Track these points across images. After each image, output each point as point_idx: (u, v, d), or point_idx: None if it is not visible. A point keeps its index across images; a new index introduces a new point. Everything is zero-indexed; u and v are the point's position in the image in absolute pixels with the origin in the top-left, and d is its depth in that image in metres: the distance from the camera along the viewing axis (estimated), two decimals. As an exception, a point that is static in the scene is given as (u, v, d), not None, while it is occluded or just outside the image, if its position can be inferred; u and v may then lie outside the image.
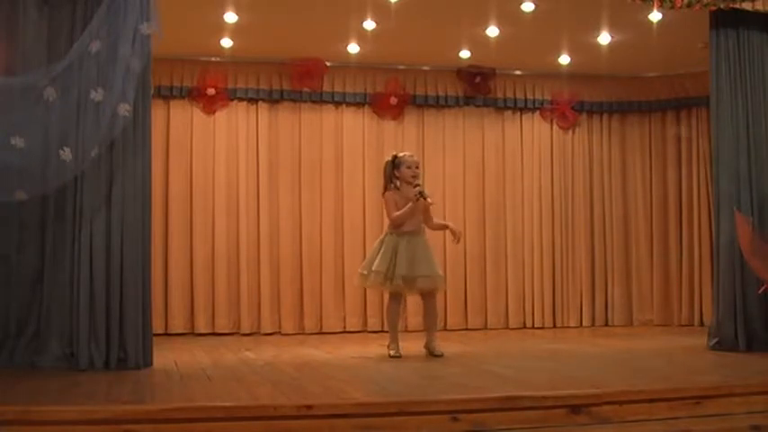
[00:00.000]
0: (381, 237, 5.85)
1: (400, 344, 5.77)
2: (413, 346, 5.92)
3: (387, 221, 7.84)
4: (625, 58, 7.72)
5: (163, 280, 7.57)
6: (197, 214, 7.73)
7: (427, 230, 5.91)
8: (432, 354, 5.71)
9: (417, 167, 5.81)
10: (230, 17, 6.59)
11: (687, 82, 8.31)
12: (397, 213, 5.70)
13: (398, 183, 5.80)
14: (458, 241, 6.04)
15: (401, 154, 5.88)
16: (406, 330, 7.20)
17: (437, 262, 5.88)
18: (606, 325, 8.39)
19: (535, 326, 8.25)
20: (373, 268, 5.67)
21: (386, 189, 5.83)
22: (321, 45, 7.46)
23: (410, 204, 5.68)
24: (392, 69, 8.12)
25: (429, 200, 5.71)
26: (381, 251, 5.69)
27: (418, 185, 5.73)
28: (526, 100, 8.44)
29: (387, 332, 7.70)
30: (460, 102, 8.30)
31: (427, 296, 5.83)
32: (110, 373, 4.74)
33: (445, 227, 6.10)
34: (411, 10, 6.45)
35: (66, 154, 4.74)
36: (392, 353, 5.71)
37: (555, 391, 4.00)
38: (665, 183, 8.53)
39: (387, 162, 5.88)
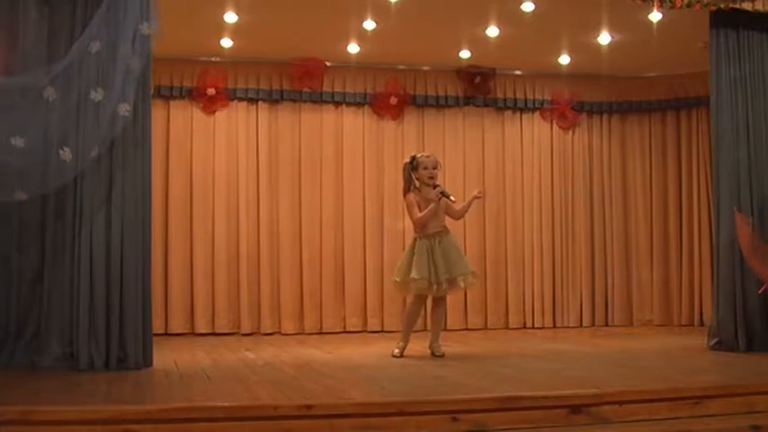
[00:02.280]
0: (411, 242, 5.81)
1: (408, 345, 5.78)
2: (413, 345, 5.91)
3: (387, 220, 7.98)
4: (625, 58, 7.72)
5: (163, 280, 7.56)
6: (197, 214, 7.73)
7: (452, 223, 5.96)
8: (433, 354, 5.71)
9: (435, 168, 5.76)
10: (230, 17, 6.59)
11: (687, 82, 8.31)
12: (420, 215, 5.68)
13: (418, 184, 5.79)
14: (481, 195, 5.98)
15: (419, 155, 5.85)
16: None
17: (467, 258, 5.89)
18: (606, 325, 8.39)
19: (535, 326, 8.25)
20: (414, 276, 5.61)
21: (406, 191, 5.81)
22: (321, 45, 7.46)
23: (432, 205, 5.66)
24: (392, 69, 8.11)
25: (452, 198, 5.71)
26: (416, 257, 5.65)
27: (438, 186, 5.71)
28: (526, 100, 8.44)
29: (386, 332, 7.77)
30: (460, 102, 8.29)
31: (440, 298, 5.82)
32: (110, 373, 4.73)
33: (469, 203, 5.97)
34: (411, 10, 6.44)
35: (66, 154, 4.74)
36: (396, 351, 5.73)
37: (555, 391, 4.00)
38: (665, 183, 8.53)
39: (405, 164, 5.86)
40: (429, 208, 5.66)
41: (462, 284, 5.74)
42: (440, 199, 5.65)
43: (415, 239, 5.76)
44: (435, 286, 5.62)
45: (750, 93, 5.98)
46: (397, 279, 5.76)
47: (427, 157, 5.83)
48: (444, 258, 5.63)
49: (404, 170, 5.84)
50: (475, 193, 5.94)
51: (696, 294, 8.27)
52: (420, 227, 5.72)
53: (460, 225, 8.03)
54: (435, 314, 5.89)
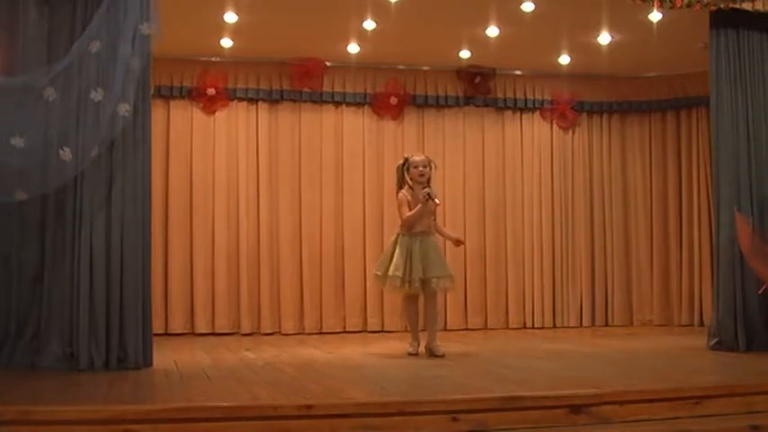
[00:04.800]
0: (394, 237, 5.87)
1: (420, 343, 5.83)
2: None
3: (387, 220, 7.98)
4: (625, 58, 7.72)
5: (163, 280, 7.56)
6: (197, 214, 7.73)
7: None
8: (433, 354, 5.71)
9: (425, 166, 5.82)
10: (230, 17, 6.59)
11: (687, 82, 8.32)
12: (409, 214, 5.74)
13: (411, 183, 5.84)
14: (457, 245, 6.10)
15: (411, 156, 5.92)
16: (405, 330, 7.20)
17: (447, 262, 5.93)
18: (606, 325, 8.39)
19: (535, 326, 8.25)
20: (390, 272, 5.70)
21: (398, 191, 5.87)
22: (321, 45, 7.46)
23: (420, 206, 5.71)
24: (392, 69, 8.12)
25: (436, 200, 5.75)
26: (396, 253, 5.73)
27: (428, 186, 5.76)
28: (526, 100, 8.45)
29: (386, 332, 7.80)
30: (460, 102, 8.30)
31: (429, 296, 5.84)
32: (110, 373, 4.73)
33: (448, 235, 6.14)
34: (411, 10, 6.44)
35: (66, 154, 4.74)
36: (410, 350, 5.80)
37: (555, 391, 4.01)
38: (665, 183, 8.53)
39: (398, 166, 5.93)
40: (417, 208, 5.72)
41: (434, 286, 5.76)
42: (426, 200, 5.68)
43: (397, 235, 5.82)
44: (407, 284, 5.69)
45: (750, 93, 5.98)
46: (379, 273, 5.83)
47: (418, 156, 5.92)
48: (422, 259, 5.68)
49: (397, 171, 5.92)
50: (459, 238, 6.07)
51: (696, 294, 8.26)
52: (408, 226, 5.76)
53: (460, 224, 8.07)
54: (426, 314, 5.89)
